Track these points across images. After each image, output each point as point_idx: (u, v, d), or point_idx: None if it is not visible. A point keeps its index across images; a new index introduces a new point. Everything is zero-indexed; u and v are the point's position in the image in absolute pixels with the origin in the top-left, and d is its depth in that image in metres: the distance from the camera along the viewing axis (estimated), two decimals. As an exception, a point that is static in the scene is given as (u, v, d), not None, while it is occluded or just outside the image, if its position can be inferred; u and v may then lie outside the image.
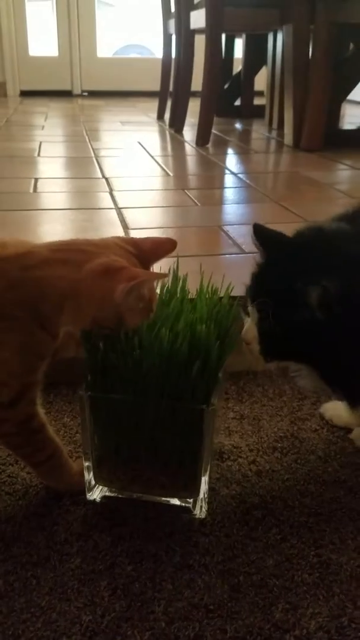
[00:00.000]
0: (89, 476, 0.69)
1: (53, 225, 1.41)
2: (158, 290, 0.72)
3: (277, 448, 0.80)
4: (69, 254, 0.61)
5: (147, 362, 0.61)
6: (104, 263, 0.59)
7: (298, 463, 0.77)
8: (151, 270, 0.66)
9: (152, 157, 2.35)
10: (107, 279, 0.58)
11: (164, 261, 0.67)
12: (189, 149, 2.56)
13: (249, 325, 0.71)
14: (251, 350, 0.71)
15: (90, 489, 0.69)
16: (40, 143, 2.57)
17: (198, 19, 2.54)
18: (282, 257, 0.69)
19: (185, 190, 1.80)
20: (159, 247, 0.66)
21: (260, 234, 0.71)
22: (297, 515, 0.68)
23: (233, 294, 0.73)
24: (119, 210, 1.56)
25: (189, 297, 0.72)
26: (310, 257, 0.66)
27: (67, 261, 0.60)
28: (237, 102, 3.52)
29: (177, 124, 2.93)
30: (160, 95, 3.42)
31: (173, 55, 3.09)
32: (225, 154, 2.52)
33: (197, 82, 2.64)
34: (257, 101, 3.43)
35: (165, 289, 0.72)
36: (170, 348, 0.61)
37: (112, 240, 0.64)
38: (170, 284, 0.72)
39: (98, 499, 0.70)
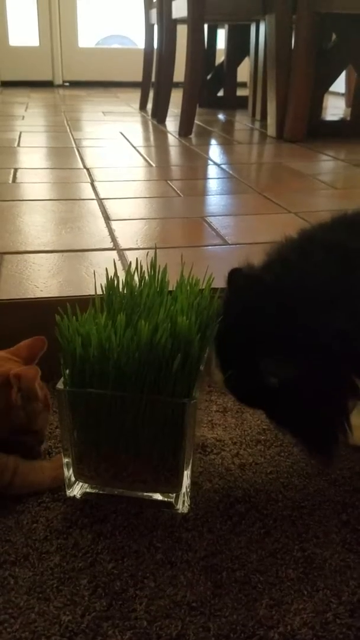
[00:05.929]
0: (68, 472, 0.67)
1: (33, 216, 1.39)
2: (137, 280, 0.70)
3: (261, 441, 0.79)
4: None
5: (125, 355, 0.60)
6: None
7: (281, 455, 0.76)
8: None
9: (134, 147, 2.32)
10: None
11: (142, 252, 0.66)
12: (172, 139, 2.53)
13: (215, 370, 0.70)
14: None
15: (71, 485, 0.68)
16: (20, 133, 2.53)
17: (180, 8, 2.51)
18: (251, 317, 0.64)
19: (168, 181, 1.78)
20: (33, 349, 0.72)
21: (236, 282, 0.67)
22: (280, 508, 0.67)
23: (215, 285, 0.72)
24: (100, 201, 1.54)
25: (169, 289, 0.70)
26: (279, 331, 0.62)
27: None
28: (220, 93, 3.51)
29: (159, 114, 2.90)
30: (143, 86, 3.39)
31: (155, 45, 3.06)
32: (208, 144, 2.50)
33: (179, 72, 2.61)
34: (240, 92, 3.42)
35: (142, 281, 0.70)
36: (150, 341, 0.60)
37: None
38: (147, 275, 0.71)
39: (78, 496, 0.68)
